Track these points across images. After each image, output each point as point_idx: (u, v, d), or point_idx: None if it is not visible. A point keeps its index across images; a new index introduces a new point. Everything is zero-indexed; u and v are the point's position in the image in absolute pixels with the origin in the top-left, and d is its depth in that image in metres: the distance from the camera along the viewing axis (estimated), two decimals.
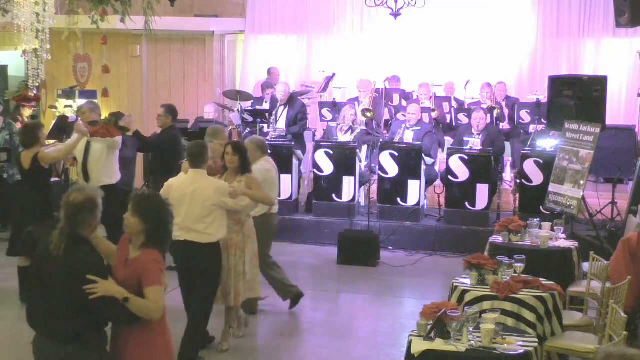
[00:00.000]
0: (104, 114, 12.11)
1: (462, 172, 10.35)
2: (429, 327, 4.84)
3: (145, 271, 4.20)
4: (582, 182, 8.79)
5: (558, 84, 9.91)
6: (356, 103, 12.13)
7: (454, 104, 12.36)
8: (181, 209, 6.28)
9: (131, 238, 4.37)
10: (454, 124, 12.06)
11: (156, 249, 4.30)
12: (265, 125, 11.59)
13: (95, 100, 12.06)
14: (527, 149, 10.76)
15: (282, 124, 11.50)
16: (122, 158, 8.97)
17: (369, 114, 11.41)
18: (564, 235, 7.47)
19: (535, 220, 7.45)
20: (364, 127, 11.39)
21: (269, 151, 7.82)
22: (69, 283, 4.05)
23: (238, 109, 11.95)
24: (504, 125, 12.14)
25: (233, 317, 6.99)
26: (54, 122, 12.48)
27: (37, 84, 10.18)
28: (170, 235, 4.42)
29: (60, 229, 4.14)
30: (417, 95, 12.51)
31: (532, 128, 11.70)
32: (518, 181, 10.31)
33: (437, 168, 11.13)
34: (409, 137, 10.93)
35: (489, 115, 11.46)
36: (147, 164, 9.72)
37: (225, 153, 6.78)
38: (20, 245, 7.59)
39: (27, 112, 11.34)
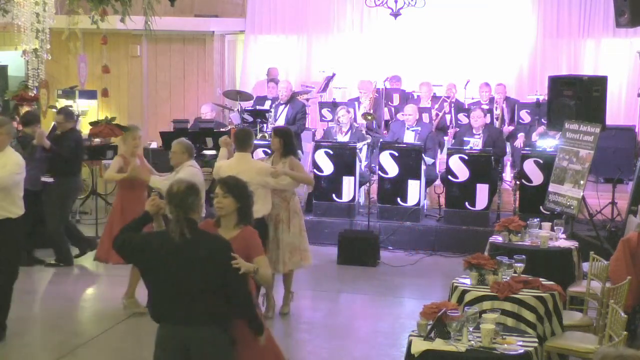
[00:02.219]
0: (105, 114, 12.17)
1: (462, 172, 10.34)
2: (429, 327, 4.84)
3: (252, 244, 4.67)
4: (582, 182, 8.79)
5: (558, 84, 9.91)
6: (356, 103, 12.14)
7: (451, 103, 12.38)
8: None
9: (220, 221, 4.72)
10: (453, 124, 12.06)
11: (249, 225, 4.75)
12: (265, 125, 11.60)
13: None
14: (527, 149, 10.77)
15: (281, 122, 11.51)
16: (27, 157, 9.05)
17: (369, 117, 11.44)
18: (564, 235, 7.46)
19: (535, 220, 7.45)
20: (366, 130, 11.42)
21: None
22: (208, 263, 4.28)
23: (238, 109, 11.95)
24: (506, 127, 12.13)
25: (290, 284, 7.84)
26: (53, 122, 12.48)
27: (37, 84, 10.20)
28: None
29: (175, 218, 4.34)
30: (418, 95, 12.51)
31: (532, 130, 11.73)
32: (517, 182, 10.31)
33: (437, 168, 11.10)
34: (409, 137, 10.93)
35: (488, 115, 11.46)
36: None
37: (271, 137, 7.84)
38: None
39: (26, 110, 11.34)
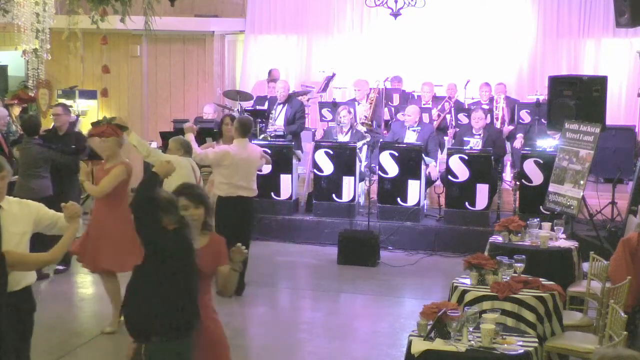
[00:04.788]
0: (105, 114, 12.16)
1: (462, 172, 10.34)
2: (429, 327, 4.84)
3: (220, 253, 4.58)
4: (582, 182, 8.79)
5: (558, 84, 9.92)
6: (356, 104, 12.14)
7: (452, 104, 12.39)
8: (239, 170, 8.02)
9: None
10: (453, 124, 12.07)
11: (210, 230, 4.70)
12: (265, 125, 11.61)
13: None
14: (527, 149, 10.77)
15: (280, 122, 11.51)
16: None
17: (368, 124, 11.51)
18: (564, 235, 7.46)
19: (535, 220, 7.44)
20: (366, 129, 11.42)
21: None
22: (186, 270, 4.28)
23: (238, 109, 11.95)
24: (506, 126, 12.14)
25: None
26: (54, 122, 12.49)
27: (34, 85, 10.19)
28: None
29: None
30: (419, 95, 12.50)
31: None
32: (517, 182, 10.31)
33: (437, 169, 11.07)
34: (411, 138, 10.93)
35: (488, 115, 11.46)
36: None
37: (224, 123, 8.81)
38: None
39: (16, 111, 11.32)
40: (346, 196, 10.68)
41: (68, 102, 13.42)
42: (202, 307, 4.39)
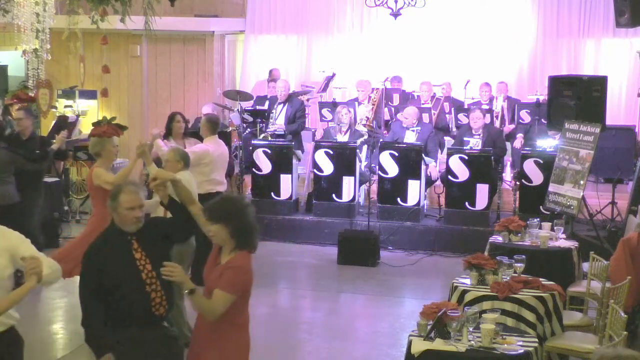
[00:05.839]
0: (104, 114, 12.18)
1: (462, 172, 10.34)
2: (429, 327, 4.84)
3: (223, 274, 4.17)
4: (582, 182, 8.79)
5: (558, 84, 9.92)
6: (356, 104, 12.14)
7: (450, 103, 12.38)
8: (218, 166, 8.40)
9: (221, 247, 4.32)
10: (453, 124, 12.06)
11: (246, 250, 4.25)
12: (265, 125, 11.62)
13: None
14: (527, 149, 10.77)
15: (280, 121, 11.51)
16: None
17: (369, 125, 11.50)
18: (564, 235, 7.47)
19: (535, 220, 7.45)
20: (365, 130, 11.43)
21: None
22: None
23: (238, 109, 11.95)
24: (506, 125, 12.13)
25: None
26: (54, 122, 12.50)
27: (34, 85, 10.18)
28: (255, 229, 4.31)
29: None
30: (418, 95, 12.50)
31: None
32: (517, 182, 10.32)
33: (437, 168, 11.08)
34: (411, 138, 10.92)
35: (488, 115, 11.45)
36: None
37: (175, 121, 8.69)
38: None
39: (16, 109, 11.31)
40: (346, 196, 10.68)
41: (68, 102, 13.46)
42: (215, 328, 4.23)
